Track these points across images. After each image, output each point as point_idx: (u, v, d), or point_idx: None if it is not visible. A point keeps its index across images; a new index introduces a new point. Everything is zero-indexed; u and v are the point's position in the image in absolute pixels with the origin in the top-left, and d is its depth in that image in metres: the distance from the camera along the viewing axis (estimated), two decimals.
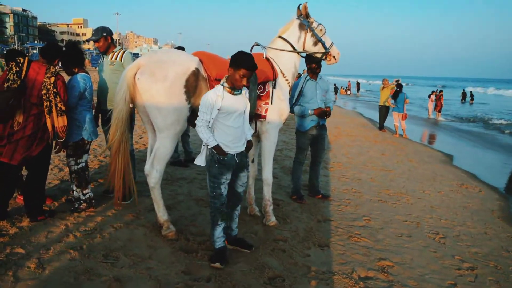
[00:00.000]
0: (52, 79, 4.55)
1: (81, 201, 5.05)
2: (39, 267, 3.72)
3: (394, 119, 16.07)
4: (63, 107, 4.59)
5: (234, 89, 3.86)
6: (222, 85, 3.89)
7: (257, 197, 5.86)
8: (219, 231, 4.10)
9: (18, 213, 4.85)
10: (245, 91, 4.05)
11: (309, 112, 6.13)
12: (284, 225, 5.30)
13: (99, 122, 5.68)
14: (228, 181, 4.03)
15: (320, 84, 6.34)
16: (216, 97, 3.82)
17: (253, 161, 5.62)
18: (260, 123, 5.10)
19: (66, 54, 5.01)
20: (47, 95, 4.51)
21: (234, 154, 3.97)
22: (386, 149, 12.56)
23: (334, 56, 5.60)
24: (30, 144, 4.54)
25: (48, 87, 4.52)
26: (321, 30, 5.40)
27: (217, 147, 3.86)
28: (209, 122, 3.85)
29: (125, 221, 4.89)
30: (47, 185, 5.63)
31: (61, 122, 4.60)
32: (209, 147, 3.90)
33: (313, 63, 6.04)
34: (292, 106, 6.16)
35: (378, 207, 6.56)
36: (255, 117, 5.00)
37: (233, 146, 3.94)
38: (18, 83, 4.40)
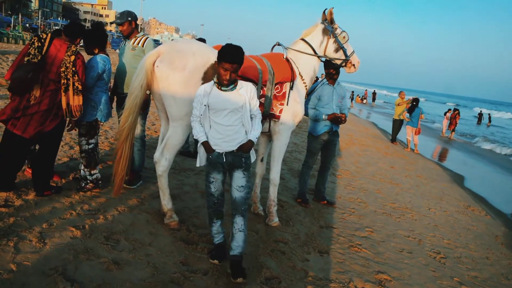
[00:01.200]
0: (72, 57, 4.58)
1: (88, 181, 5.07)
2: (40, 241, 3.75)
3: (407, 133, 15.99)
4: (80, 86, 4.61)
5: (221, 84, 3.64)
6: (214, 80, 3.74)
7: (263, 196, 5.86)
8: (215, 228, 4.00)
9: (25, 186, 4.88)
10: (240, 88, 3.72)
11: (323, 117, 6.11)
12: (286, 227, 5.29)
13: (113, 105, 5.71)
14: (217, 181, 3.83)
15: (337, 90, 6.31)
16: (204, 92, 3.70)
17: (262, 160, 5.63)
18: (273, 123, 5.10)
19: (91, 33, 5.04)
20: (65, 73, 4.54)
21: (222, 152, 3.72)
22: (396, 162, 12.50)
23: (354, 65, 5.59)
24: (44, 119, 4.57)
25: (68, 65, 4.55)
26: (344, 37, 5.40)
27: (205, 143, 3.74)
28: (200, 118, 3.76)
29: (129, 206, 4.91)
30: (56, 162, 5.67)
31: (76, 101, 4.62)
32: (199, 142, 3.80)
33: (332, 69, 6.01)
34: (306, 109, 6.16)
35: (382, 220, 6.53)
36: (269, 116, 5.00)
37: (223, 144, 3.71)
38: (39, 58, 4.44)
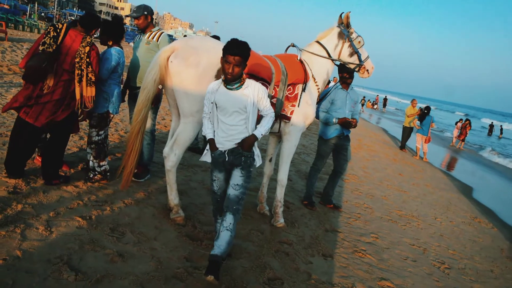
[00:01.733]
0: (87, 48, 4.60)
1: (96, 172, 5.10)
2: (47, 229, 3.78)
3: (416, 141, 15.92)
4: (93, 78, 4.64)
5: (226, 81, 3.56)
6: (222, 77, 3.65)
7: (269, 197, 5.86)
8: (219, 225, 3.88)
9: (34, 174, 4.91)
10: (246, 87, 3.59)
11: (334, 120, 6.09)
12: (291, 228, 5.28)
13: (126, 98, 5.73)
14: (219, 180, 3.80)
15: (351, 94, 6.29)
16: (212, 89, 3.66)
17: (270, 160, 5.63)
18: (284, 124, 5.09)
19: (110, 25, 5.05)
20: (80, 64, 4.57)
21: (225, 151, 3.67)
22: (404, 170, 12.45)
23: (367, 70, 5.59)
24: (56, 109, 4.60)
25: (82, 56, 4.57)
26: (359, 42, 5.39)
27: (210, 141, 3.74)
28: (209, 115, 3.74)
29: (136, 199, 4.93)
30: (66, 152, 5.70)
31: (89, 92, 4.65)
32: (207, 139, 3.79)
33: (345, 73, 6.00)
34: (317, 111, 6.15)
35: (388, 227, 6.51)
36: (279, 117, 5.00)
37: (226, 144, 3.66)
38: (54, 47, 4.47)
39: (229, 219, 3.63)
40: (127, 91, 5.70)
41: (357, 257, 5.02)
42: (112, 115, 5.14)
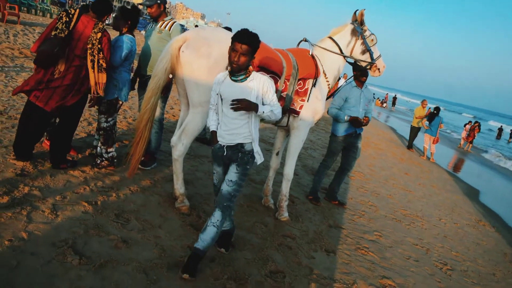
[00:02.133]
0: (99, 35, 4.61)
1: (103, 158, 5.12)
2: (52, 212, 3.81)
3: (424, 141, 15.86)
4: (104, 64, 4.65)
5: (232, 73, 3.44)
6: (228, 69, 3.51)
7: (275, 190, 5.87)
8: None
9: (42, 157, 4.94)
10: (251, 80, 3.45)
11: (346, 118, 6.05)
12: (295, 223, 5.29)
13: (135, 86, 5.75)
14: (218, 173, 3.77)
15: (365, 93, 6.26)
16: (218, 80, 3.57)
17: (277, 154, 5.63)
18: (292, 118, 5.09)
19: (129, 13, 5.05)
20: (92, 50, 4.58)
21: (224, 145, 3.59)
22: (410, 169, 12.41)
23: (379, 69, 5.58)
24: (66, 94, 4.62)
25: (94, 42, 4.58)
26: (372, 40, 5.37)
27: (213, 133, 3.70)
28: (215, 107, 3.67)
29: (142, 186, 4.95)
30: (74, 137, 5.73)
31: (100, 78, 4.66)
32: (210, 130, 3.75)
33: (360, 71, 5.96)
34: (329, 108, 6.15)
35: (391, 225, 6.50)
36: (288, 111, 4.99)
37: (227, 137, 3.56)
38: (66, 33, 4.48)
39: (217, 215, 3.54)
40: (137, 79, 5.71)
41: (359, 254, 5.03)
42: (121, 102, 5.16)
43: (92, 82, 4.65)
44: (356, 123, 6.09)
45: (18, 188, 4.06)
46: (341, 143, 6.34)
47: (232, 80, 3.46)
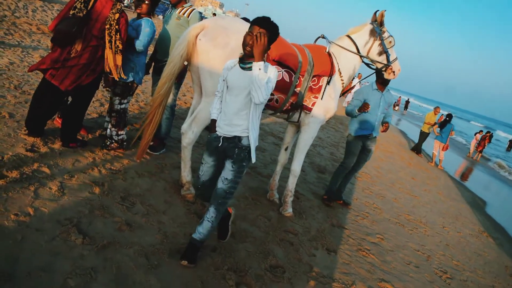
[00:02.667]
0: (117, 15, 4.61)
1: (113, 140, 5.14)
2: (59, 190, 3.84)
3: (434, 147, 15.77)
4: (120, 46, 4.65)
5: (242, 60, 3.30)
6: (239, 56, 3.38)
7: (280, 185, 5.88)
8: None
9: (53, 135, 4.98)
10: (260, 68, 3.09)
11: (356, 111, 5.94)
12: (298, 219, 5.30)
13: (150, 70, 5.76)
14: (207, 165, 3.54)
15: (386, 96, 6.16)
16: (227, 66, 3.41)
17: (286, 149, 5.63)
18: (304, 115, 5.08)
19: None
20: (109, 31, 4.59)
21: (221, 136, 3.41)
22: (417, 174, 12.36)
23: (394, 71, 5.53)
24: (81, 73, 4.63)
25: (112, 22, 4.59)
26: (390, 42, 5.34)
27: (212, 121, 3.52)
28: (222, 94, 3.48)
29: (149, 171, 4.97)
30: (86, 117, 5.76)
31: (118, 60, 4.67)
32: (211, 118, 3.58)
33: (380, 79, 5.91)
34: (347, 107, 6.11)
35: (394, 229, 6.49)
36: (300, 107, 4.98)
37: (225, 128, 3.38)
38: (84, 12, 4.48)
39: (212, 212, 3.49)
40: (152, 64, 5.72)
41: (360, 255, 5.03)
42: (136, 85, 5.17)
43: (111, 64, 4.66)
44: (363, 109, 5.83)
45: (27, 163, 4.10)
46: (358, 143, 6.24)
47: (240, 67, 3.31)
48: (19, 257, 2.87)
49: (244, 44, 3.22)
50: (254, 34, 3.14)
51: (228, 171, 3.41)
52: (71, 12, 4.45)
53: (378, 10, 5.30)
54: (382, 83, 6.02)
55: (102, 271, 3.04)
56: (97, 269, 3.04)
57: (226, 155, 3.43)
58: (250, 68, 3.24)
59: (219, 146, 3.43)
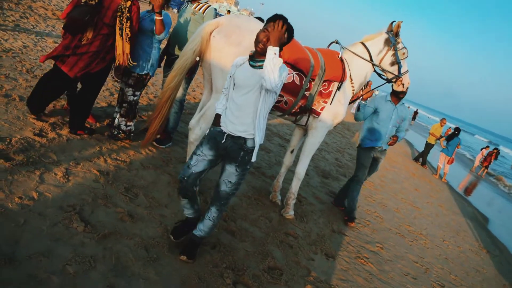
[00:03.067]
0: (128, 3, 4.62)
1: (121, 131, 5.16)
2: (64, 177, 3.86)
3: (439, 160, 15.73)
4: (129, 34, 4.66)
5: (253, 57, 3.18)
6: (250, 53, 3.28)
7: (284, 187, 5.88)
8: (183, 203, 3.60)
9: (62, 120, 5.00)
10: (276, 51, 2.91)
11: (362, 116, 5.94)
12: (299, 222, 5.30)
13: (162, 63, 5.78)
14: (204, 158, 3.34)
15: (399, 110, 6.05)
16: (236, 63, 3.30)
17: (292, 152, 5.63)
18: (312, 118, 5.08)
19: None
20: (121, 18, 4.60)
21: (225, 133, 3.26)
22: (421, 186, 12.33)
23: (403, 84, 5.51)
24: (91, 61, 4.65)
25: (123, 10, 4.59)
26: (403, 53, 5.32)
27: (217, 115, 3.38)
28: (228, 90, 3.36)
29: (154, 164, 4.99)
30: (95, 105, 5.78)
31: (126, 48, 4.69)
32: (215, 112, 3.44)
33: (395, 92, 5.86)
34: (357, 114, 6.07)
35: (394, 239, 6.47)
36: (309, 111, 4.99)
37: (229, 126, 3.24)
38: (96, 0, 4.49)
39: (214, 211, 3.47)
40: (165, 57, 5.74)
41: (359, 263, 5.02)
42: (149, 77, 5.18)
43: (119, 51, 4.67)
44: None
45: (35, 147, 4.12)
46: (369, 155, 6.13)
47: (250, 64, 3.18)
48: (21, 240, 2.89)
49: (257, 41, 3.11)
50: (269, 30, 3.03)
51: (231, 175, 3.32)
52: (83, 0, 4.47)
53: (394, 21, 5.29)
54: (395, 95, 5.92)
55: (102, 260, 3.05)
56: (96, 257, 3.05)
57: (228, 155, 3.30)
58: (260, 67, 3.11)
59: (222, 143, 3.29)
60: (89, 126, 5.10)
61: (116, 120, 5.16)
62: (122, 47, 4.66)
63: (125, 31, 4.62)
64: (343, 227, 5.89)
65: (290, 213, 5.28)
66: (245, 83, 3.17)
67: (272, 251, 4.26)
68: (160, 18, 4.85)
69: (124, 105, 5.12)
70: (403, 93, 5.83)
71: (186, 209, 3.63)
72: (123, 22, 4.60)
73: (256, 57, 3.17)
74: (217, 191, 3.42)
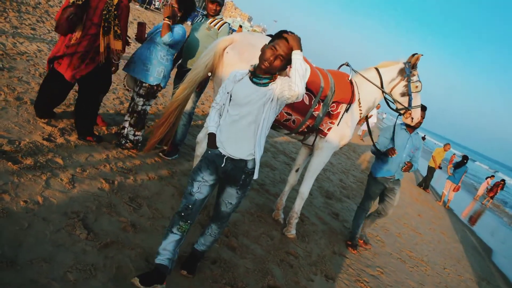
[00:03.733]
0: (115, 1, 4.65)
1: (128, 140, 5.19)
2: (70, 183, 3.88)
3: (445, 187, 15.68)
4: (119, 31, 4.70)
5: (256, 74, 2.95)
6: (249, 68, 3.07)
7: (287, 205, 5.87)
8: (168, 241, 3.17)
9: (71, 126, 5.04)
10: (274, 83, 2.94)
11: (376, 148, 5.75)
12: (301, 242, 5.28)
13: (172, 74, 5.83)
14: (205, 183, 3.10)
15: (413, 139, 5.86)
16: (233, 78, 3.07)
17: (297, 171, 5.64)
18: (319, 139, 5.09)
19: (184, 4, 5.16)
20: (107, 16, 4.62)
21: (225, 155, 3.03)
22: (424, 211, 12.27)
23: (412, 118, 5.42)
24: (80, 62, 4.67)
25: (110, 8, 4.62)
26: (416, 86, 5.25)
27: (211, 135, 3.10)
28: (221, 107, 3.13)
29: (159, 175, 5.01)
30: (104, 112, 5.82)
31: (117, 45, 4.71)
32: (208, 132, 3.17)
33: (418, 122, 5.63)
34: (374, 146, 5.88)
35: (395, 264, 6.43)
36: (316, 131, 5.00)
37: (228, 147, 3.01)
38: (83, 0, 4.53)
39: (215, 228, 3.42)
40: (176, 70, 5.79)
41: (358, 286, 4.99)
42: (160, 88, 5.21)
43: (101, 49, 4.67)
44: (389, 153, 5.49)
45: (43, 152, 4.16)
46: (378, 186, 5.96)
47: (253, 81, 2.96)
48: (23, 244, 2.91)
49: (263, 58, 2.89)
50: (278, 53, 2.86)
51: (232, 197, 3.19)
52: (71, 0, 4.49)
53: (416, 53, 5.28)
54: (411, 125, 5.74)
55: (102, 269, 3.06)
56: (97, 266, 3.06)
57: (229, 178, 3.11)
58: (266, 84, 2.93)
59: (221, 167, 3.06)
60: (98, 134, 5.14)
61: (126, 129, 5.20)
62: (104, 45, 4.67)
63: (114, 28, 4.66)
64: (344, 249, 5.87)
65: (292, 232, 5.27)
66: (246, 101, 2.94)
67: (272, 270, 4.24)
68: (167, 22, 4.92)
69: (134, 114, 5.16)
70: (419, 123, 5.67)
71: (166, 252, 3.15)
72: (110, 20, 4.62)
73: (259, 73, 2.95)
74: (218, 211, 3.32)
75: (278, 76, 2.98)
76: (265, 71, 2.91)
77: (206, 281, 3.52)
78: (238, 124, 2.97)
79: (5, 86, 5.28)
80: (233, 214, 4.51)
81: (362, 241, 6.35)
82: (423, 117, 5.63)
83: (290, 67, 2.83)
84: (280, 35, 2.91)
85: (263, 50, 2.94)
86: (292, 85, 2.78)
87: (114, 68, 5.00)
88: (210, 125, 3.14)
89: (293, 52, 2.82)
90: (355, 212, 6.28)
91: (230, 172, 3.06)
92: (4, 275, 2.59)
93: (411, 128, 5.81)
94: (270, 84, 2.93)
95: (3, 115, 4.57)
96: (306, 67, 2.79)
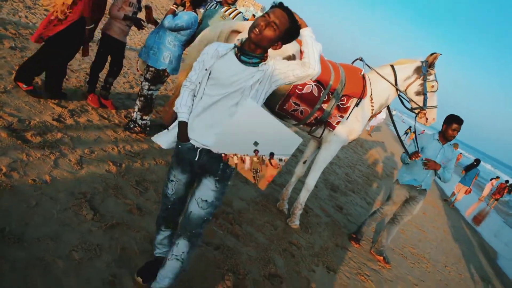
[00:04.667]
0: None
1: (137, 124, 5.22)
2: (78, 163, 3.92)
3: (455, 188, 15.67)
4: None
5: (244, 51, 2.44)
6: (236, 43, 2.52)
7: (292, 196, 5.89)
8: (161, 238, 3.01)
9: (81, 108, 5.07)
10: (265, 64, 2.48)
11: (407, 158, 5.52)
12: (304, 233, 5.30)
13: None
14: (179, 182, 2.73)
15: (446, 150, 5.66)
16: (214, 52, 2.51)
17: (304, 163, 5.64)
18: (327, 132, 5.08)
19: None
20: None
21: (198, 147, 2.54)
22: (429, 210, 12.26)
23: (427, 118, 5.31)
24: (48, 22, 4.71)
25: None
26: (432, 86, 5.13)
27: (182, 124, 2.59)
28: (196, 86, 2.60)
29: (167, 160, 5.04)
30: (114, 96, 5.85)
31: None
32: (177, 119, 2.65)
33: (451, 129, 5.46)
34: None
35: (396, 260, 6.45)
36: (325, 124, 4.99)
37: (203, 134, 2.52)
38: None
39: (182, 245, 2.65)
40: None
41: (359, 280, 5.01)
42: (167, 74, 5.23)
43: (59, 3, 4.65)
44: (413, 155, 5.34)
45: (52, 132, 4.20)
46: (402, 193, 5.81)
47: (242, 60, 2.45)
48: (31, 222, 2.95)
49: (252, 26, 2.40)
50: (271, 20, 2.39)
51: (208, 191, 2.59)
52: None
53: (435, 52, 5.19)
54: (444, 134, 5.57)
55: (107, 250, 3.09)
56: (102, 247, 3.09)
57: (205, 170, 2.60)
58: (256, 64, 2.46)
59: (195, 161, 2.59)
60: (64, 93, 5.25)
61: (134, 113, 5.23)
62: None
63: None
64: (346, 243, 5.89)
65: (295, 222, 5.29)
66: (229, 82, 2.45)
67: (274, 259, 4.27)
68: (172, 7, 4.97)
69: (140, 98, 5.19)
70: (452, 136, 5.50)
71: (162, 246, 3.04)
72: None
73: (248, 50, 2.45)
74: (187, 217, 2.64)
75: (271, 59, 2.54)
76: (254, 42, 2.40)
77: (209, 266, 3.55)
78: (217, 106, 2.49)
79: (17, 65, 5.31)
80: (238, 202, 4.57)
81: (382, 257, 6.03)
82: (457, 130, 5.45)
83: (302, 52, 2.49)
84: (276, 5, 2.46)
85: (256, 19, 2.45)
86: (306, 63, 2.43)
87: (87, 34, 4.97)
88: (182, 110, 2.61)
89: (302, 29, 2.49)
90: (371, 212, 6.21)
91: (206, 164, 2.56)
92: (11, 252, 2.63)
93: (443, 139, 5.63)
94: (260, 65, 2.46)
95: (14, 94, 4.61)
96: (319, 49, 2.47)
